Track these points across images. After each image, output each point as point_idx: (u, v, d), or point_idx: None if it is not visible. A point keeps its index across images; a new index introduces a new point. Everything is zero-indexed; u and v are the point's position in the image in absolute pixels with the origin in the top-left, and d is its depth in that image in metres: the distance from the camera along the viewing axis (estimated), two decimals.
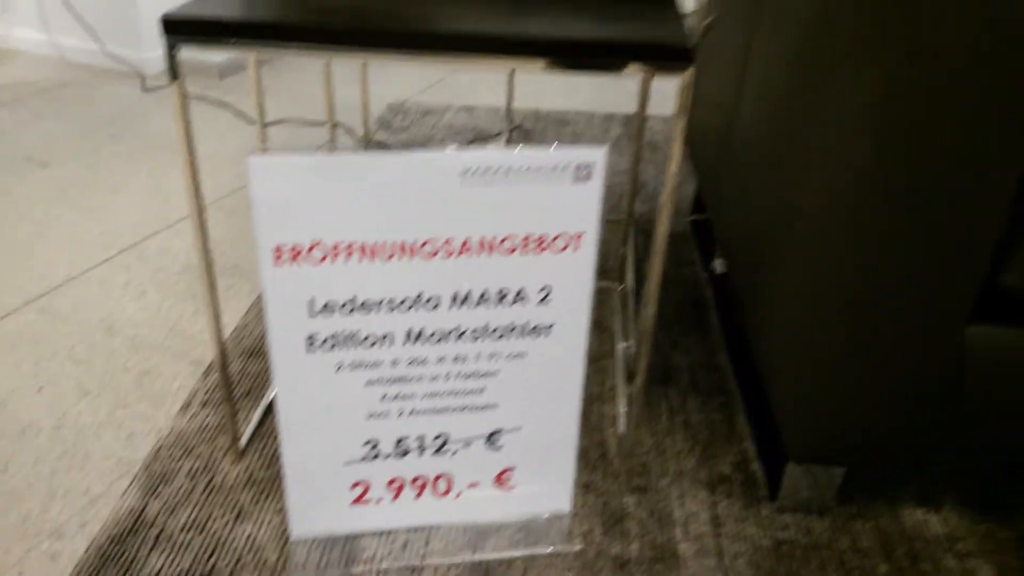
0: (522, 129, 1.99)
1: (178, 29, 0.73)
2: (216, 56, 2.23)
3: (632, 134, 2.01)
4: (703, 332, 1.26)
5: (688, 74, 0.74)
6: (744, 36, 1.10)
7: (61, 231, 1.47)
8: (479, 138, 1.95)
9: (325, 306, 0.76)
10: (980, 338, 0.74)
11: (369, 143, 1.89)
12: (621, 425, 1.06)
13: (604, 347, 1.22)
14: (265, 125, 1.99)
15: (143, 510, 0.90)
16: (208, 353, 1.16)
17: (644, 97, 1.31)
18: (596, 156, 0.74)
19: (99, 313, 1.24)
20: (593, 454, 1.02)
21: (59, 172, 1.68)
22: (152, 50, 2.25)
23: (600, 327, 1.27)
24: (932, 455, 0.82)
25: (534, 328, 0.81)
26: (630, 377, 1.15)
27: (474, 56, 0.73)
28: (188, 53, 2.27)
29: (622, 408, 1.09)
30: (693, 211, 1.63)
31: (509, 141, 1.65)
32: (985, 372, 0.75)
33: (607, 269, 1.43)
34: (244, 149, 1.82)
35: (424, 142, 1.92)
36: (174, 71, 0.76)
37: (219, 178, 1.69)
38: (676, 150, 0.80)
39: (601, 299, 1.34)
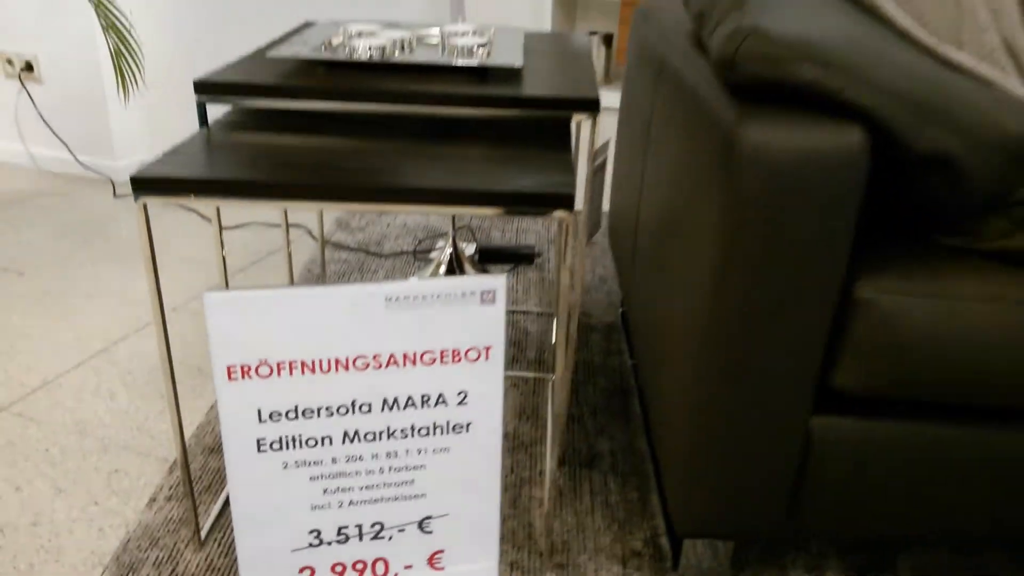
0: (468, 228, 2.15)
1: (145, 186, 0.88)
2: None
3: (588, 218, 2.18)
4: (626, 418, 1.40)
5: (568, 215, 0.89)
6: (640, 159, 1.27)
7: (37, 337, 1.58)
8: (429, 236, 2.11)
9: (271, 414, 0.88)
10: (822, 427, 0.89)
11: (327, 244, 2.04)
12: (546, 507, 1.19)
13: (537, 434, 1.35)
14: (227, 228, 2.13)
15: None
16: (173, 451, 1.27)
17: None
18: (498, 283, 0.88)
19: (73, 416, 1.35)
20: (520, 534, 1.14)
21: (35, 280, 1.80)
22: (122, 159, 2.40)
23: (535, 415, 1.40)
24: (800, 527, 0.95)
25: (455, 426, 0.94)
26: (560, 461, 1.28)
27: (408, 204, 0.89)
28: (153, 158, 2.43)
29: (548, 491, 1.22)
30: (623, 303, 1.78)
31: (455, 240, 1.80)
32: (827, 454, 0.89)
33: (543, 360, 1.57)
34: (211, 252, 1.96)
35: (379, 240, 2.07)
36: (148, 226, 0.90)
37: (187, 281, 1.82)
38: (564, 280, 0.95)
39: (536, 389, 1.48)
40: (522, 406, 1.42)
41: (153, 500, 1.17)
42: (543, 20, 3.46)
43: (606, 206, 2.24)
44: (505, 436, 1.34)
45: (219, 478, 1.22)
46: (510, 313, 1.74)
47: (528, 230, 2.15)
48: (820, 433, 0.89)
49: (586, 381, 1.50)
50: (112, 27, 1.61)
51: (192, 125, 2.38)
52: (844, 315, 0.84)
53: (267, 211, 2.19)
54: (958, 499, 0.93)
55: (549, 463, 1.27)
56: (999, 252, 0.85)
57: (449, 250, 1.86)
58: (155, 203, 1.12)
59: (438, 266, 1.86)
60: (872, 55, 0.78)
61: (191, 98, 2.35)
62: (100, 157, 2.39)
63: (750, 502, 0.93)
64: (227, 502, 1.17)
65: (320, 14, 2.85)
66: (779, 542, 1.13)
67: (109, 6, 1.62)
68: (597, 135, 1.46)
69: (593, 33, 3.50)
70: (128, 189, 2.35)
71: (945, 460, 0.90)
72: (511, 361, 1.57)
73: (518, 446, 1.32)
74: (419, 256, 1.99)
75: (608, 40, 3.33)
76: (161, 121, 2.39)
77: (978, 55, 1.13)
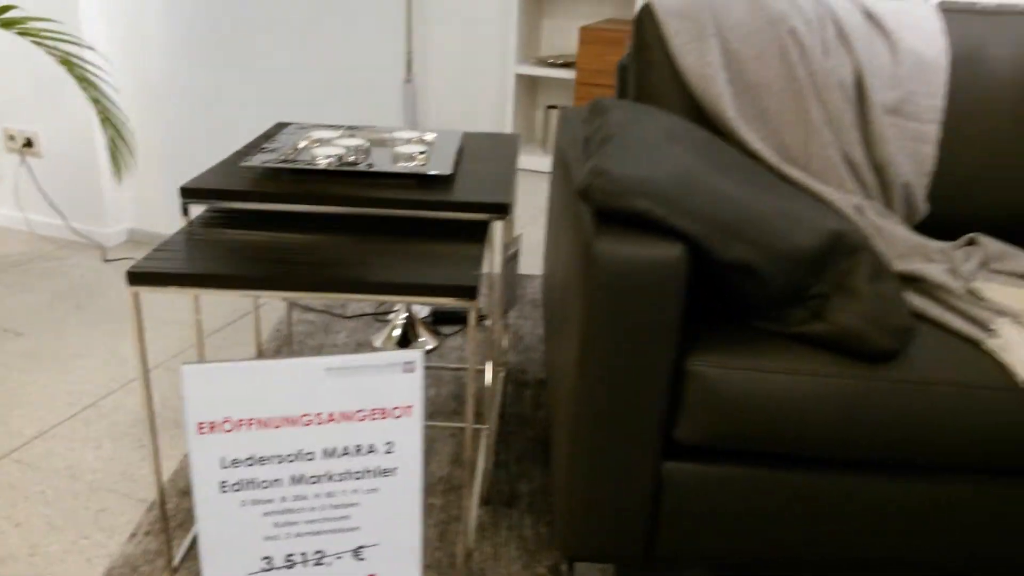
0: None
1: (138, 279, 1.12)
2: (167, 230, 2.62)
3: (502, 298, 2.42)
4: (545, 464, 1.63)
5: (474, 303, 1.14)
6: (556, 231, 1.52)
7: (34, 392, 1.79)
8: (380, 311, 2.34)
9: (233, 461, 1.11)
10: (670, 470, 1.12)
11: (294, 306, 2.27)
12: (469, 539, 1.40)
13: (467, 478, 1.57)
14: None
15: None
16: (152, 493, 1.48)
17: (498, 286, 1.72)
18: (416, 356, 1.12)
19: (65, 462, 1.56)
20: (445, 562, 1.35)
21: (31, 340, 2.02)
22: (112, 226, 2.63)
23: (467, 461, 1.62)
24: (658, 552, 1.18)
25: (383, 471, 1.17)
26: (485, 502, 1.50)
27: (349, 293, 1.12)
28: (141, 226, 2.66)
29: (471, 525, 1.43)
30: None
31: (410, 305, 2.04)
32: (675, 492, 1.13)
33: (480, 413, 1.80)
34: (190, 314, 2.18)
35: (343, 303, 2.30)
36: (139, 309, 1.14)
37: (168, 341, 2.04)
38: (471, 356, 1.19)
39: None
40: (456, 453, 1.64)
41: (134, 535, 1.38)
42: (507, 95, 3.78)
43: (537, 271, 2.49)
44: (439, 480, 1.56)
45: (190, 516, 1.43)
46: (455, 370, 1.97)
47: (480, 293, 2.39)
48: (669, 475, 1.13)
49: (516, 431, 1.73)
50: (107, 120, 1.86)
51: (173, 197, 2.61)
52: (679, 383, 1.08)
53: None
54: (783, 531, 1.16)
55: (474, 502, 1.49)
56: (801, 335, 1.09)
57: (404, 314, 2.10)
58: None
59: (393, 328, 2.10)
60: (691, 189, 1.03)
61: (175, 172, 2.59)
62: (92, 224, 2.62)
63: (617, 531, 1.16)
64: (197, 536, 1.38)
65: (293, 113, 3.14)
66: (659, 566, 1.35)
67: (104, 101, 1.87)
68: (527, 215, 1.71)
69: (552, 107, 3.80)
70: (117, 254, 2.58)
71: (770, 497, 1.14)
72: (452, 412, 1.79)
73: (449, 489, 1.54)
74: (378, 318, 2.23)
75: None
76: (147, 192, 2.63)
77: (823, 167, 1.40)
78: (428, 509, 1.49)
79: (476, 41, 3.96)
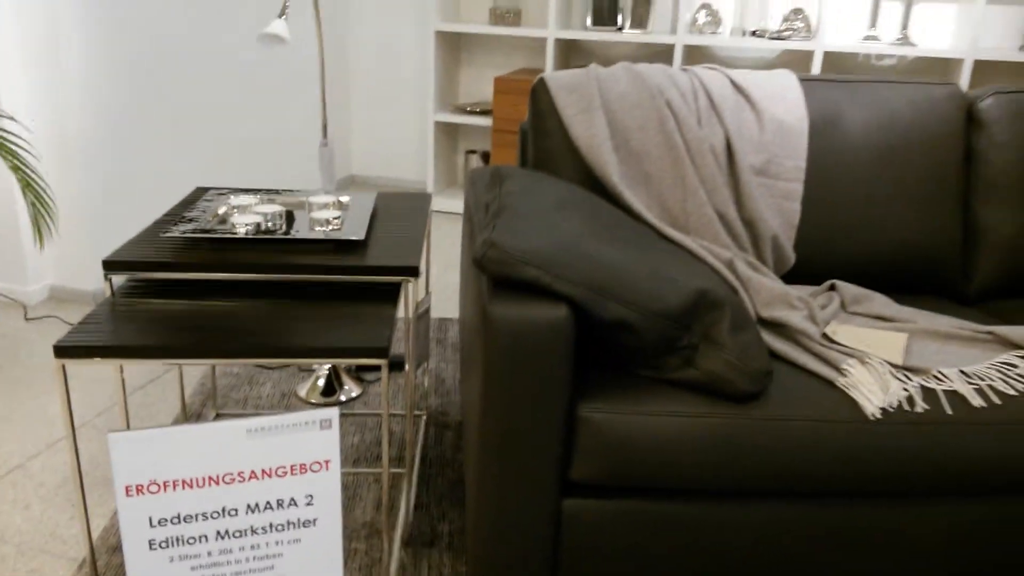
0: None
1: (65, 353, 1.19)
2: (89, 286, 2.64)
3: (413, 353, 2.53)
4: (464, 504, 1.73)
5: (385, 361, 1.24)
6: (466, 283, 1.64)
7: None
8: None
9: (160, 520, 1.18)
10: (569, 507, 1.24)
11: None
12: None
13: (390, 521, 1.66)
14: None
15: None
16: (81, 551, 1.53)
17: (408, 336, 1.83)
18: (332, 414, 1.22)
19: None
20: None
21: None
22: (33, 283, 2.64)
23: (391, 505, 1.71)
24: None
25: (304, 522, 1.25)
26: (407, 543, 1.59)
27: (266, 358, 1.22)
28: (62, 282, 2.68)
29: (393, 568, 1.53)
30: None
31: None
32: (575, 526, 1.25)
33: (402, 457, 1.89)
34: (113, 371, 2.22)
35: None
36: (65, 380, 1.21)
37: (93, 398, 2.07)
38: (384, 411, 1.29)
39: (393, 482, 1.79)
40: (380, 498, 1.73)
41: None
42: (427, 142, 3.93)
43: (455, 312, 2.61)
44: (363, 524, 1.65)
45: (121, 572, 1.48)
46: (379, 416, 2.06)
47: (401, 339, 2.49)
48: (568, 511, 1.25)
49: (437, 473, 1.83)
50: (28, 187, 1.91)
51: (94, 254, 2.64)
52: (572, 428, 1.20)
53: None
54: (683, 559, 1.29)
55: (396, 544, 1.59)
56: (676, 380, 1.24)
57: (328, 364, 2.18)
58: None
59: (318, 378, 2.18)
60: (575, 256, 1.17)
61: (96, 230, 2.63)
62: (13, 283, 2.63)
63: (523, 565, 1.27)
64: None
65: (215, 176, 3.20)
66: None
67: (25, 169, 1.92)
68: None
69: (472, 151, 3.95)
70: (38, 312, 2.59)
71: (659, 527, 1.27)
72: (376, 458, 1.88)
73: (372, 533, 1.63)
74: (302, 368, 2.30)
75: (486, 157, 3.79)
76: (69, 249, 2.65)
77: (701, 224, 1.56)
78: (352, 553, 1.57)
79: (396, 90, 4.09)
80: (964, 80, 3.16)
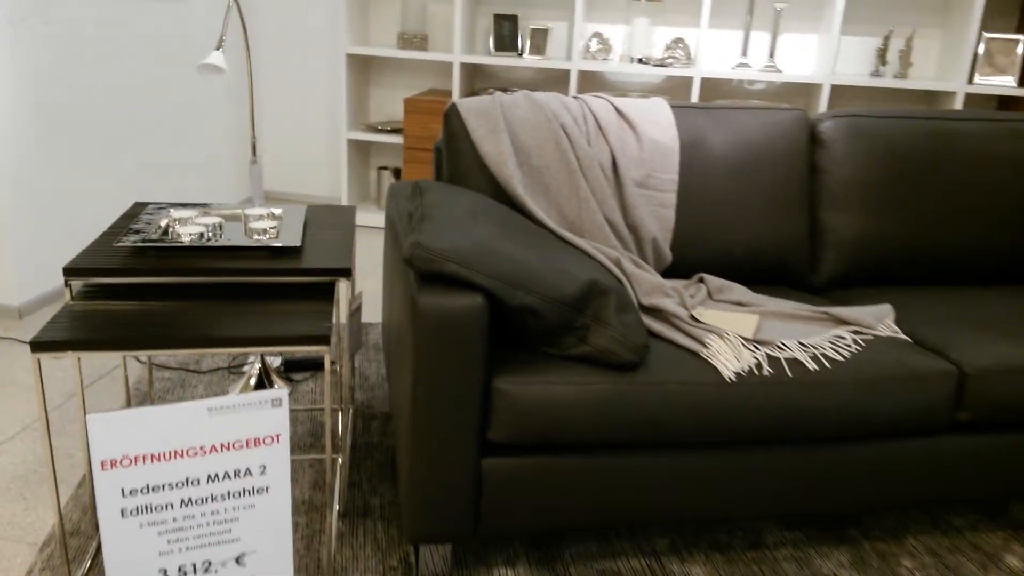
0: None
1: (40, 347, 1.34)
2: (14, 300, 2.71)
3: (349, 343, 2.72)
4: (393, 481, 1.94)
5: (327, 348, 1.45)
6: (390, 286, 1.85)
7: None
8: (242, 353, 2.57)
9: (131, 491, 1.35)
10: (488, 465, 1.48)
11: (153, 365, 2.45)
12: (332, 545, 1.69)
13: (326, 499, 1.85)
14: None
15: None
16: (40, 536, 1.66)
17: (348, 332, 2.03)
18: (282, 394, 1.41)
19: None
20: (312, 566, 1.63)
21: None
22: None
23: (327, 486, 1.90)
24: (483, 532, 1.52)
25: (258, 490, 1.44)
26: (343, 515, 1.79)
27: (212, 348, 1.40)
28: None
29: (333, 531, 1.72)
30: None
31: (263, 356, 2.28)
32: (493, 481, 1.48)
33: (336, 444, 2.08)
34: (56, 376, 2.31)
35: (198, 360, 2.50)
36: (40, 373, 1.36)
37: (30, 405, 2.17)
38: (327, 399, 1.50)
39: (329, 466, 1.98)
40: (315, 480, 1.92)
41: (30, 572, 1.55)
42: (340, 159, 4.12)
43: (378, 318, 2.82)
44: (302, 502, 1.84)
45: (80, 552, 1.62)
46: (308, 410, 2.24)
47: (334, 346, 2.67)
48: (487, 469, 1.48)
49: (366, 457, 2.03)
50: None
51: (15, 271, 2.71)
52: (488, 397, 1.44)
53: None
54: (584, 503, 1.54)
55: (334, 515, 1.78)
56: (573, 355, 1.49)
57: (258, 365, 2.35)
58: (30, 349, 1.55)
59: (249, 378, 2.34)
60: (488, 254, 1.41)
61: (21, 249, 2.70)
62: None
63: (450, 516, 1.50)
64: (89, 567, 1.58)
65: (150, 192, 3.30)
66: (485, 546, 1.70)
67: None
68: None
69: (384, 168, 4.15)
70: None
71: (564, 478, 1.52)
72: (309, 446, 2.07)
73: (311, 509, 1.82)
74: (233, 371, 2.46)
75: (397, 173, 4.01)
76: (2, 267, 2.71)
77: (593, 228, 1.82)
78: (295, 527, 1.76)
79: (310, 110, 4.26)
80: (823, 102, 3.60)
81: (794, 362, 1.56)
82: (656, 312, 1.68)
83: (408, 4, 3.83)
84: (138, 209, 1.94)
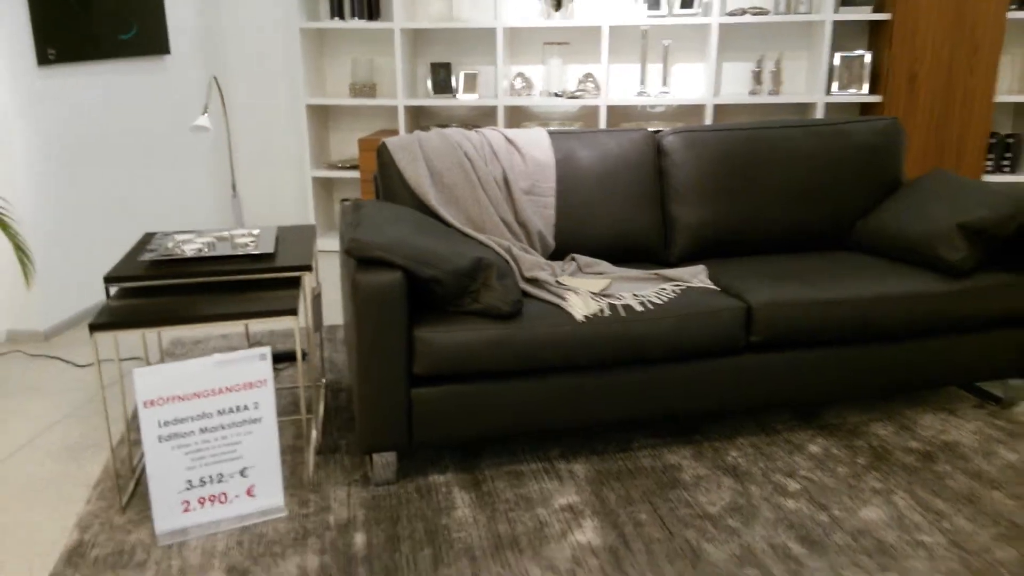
0: (259, 343, 3.25)
1: (99, 327, 1.95)
2: (40, 326, 3.30)
3: (316, 319, 3.34)
4: (354, 431, 2.54)
5: (295, 318, 2.07)
6: (344, 273, 2.47)
7: None
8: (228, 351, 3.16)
9: (165, 422, 1.95)
10: (417, 393, 2.10)
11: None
12: (310, 469, 2.29)
13: (301, 442, 2.45)
14: (83, 366, 3.08)
15: (81, 541, 1.98)
16: (92, 480, 2.24)
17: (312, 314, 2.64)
18: (266, 351, 2.03)
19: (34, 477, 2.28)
20: (296, 483, 2.23)
21: None
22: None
23: (306, 437, 2.50)
24: (417, 443, 2.14)
25: (253, 420, 2.05)
26: (318, 452, 2.39)
27: (212, 322, 2.02)
28: (14, 326, 3.31)
29: (311, 461, 2.32)
30: None
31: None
32: (422, 404, 2.10)
33: (311, 407, 2.69)
34: (69, 388, 2.90)
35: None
36: (96, 349, 1.97)
37: (62, 403, 2.76)
38: (300, 365, 2.11)
39: (307, 425, 2.59)
40: (296, 434, 2.52)
41: (88, 501, 2.14)
42: (307, 194, 4.76)
43: (341, 320, 3.45)
44: (287, 447, 2.44)
45: (122, 486, 2.21)
46: (290, 388, 2.84)
47: (292, 339, 3.28)
48: (415, 395, 2.10)
49: (335, 415, 2.64)
50: (17, 248, 2.62)
51: (42, 302, 3.30)
52: (412, 342, 2.06)
53: (125, 349, 3.15)
54: (488, 418, 2.15)
55: (312, 451, 2.38)
56: (470, 311, 2.12)
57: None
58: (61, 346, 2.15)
59: None
60: (406, 244, 2.04)
61: (41, 284, 3.29)
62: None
63: (391, 431, 2.11)
64: (131, 494, 2.17)
65: (151, 226, 3.92)
66: (422, 460, 2.31)
67: (12, 230, 2.63)
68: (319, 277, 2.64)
69: (345, 199, 4.78)
70: (2, 349, 3.22)
71: (475, 399, 2.13)
72: (290, 413, 2.67)
73: (295, 450, 2.42)
74: None
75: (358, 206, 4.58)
76: (19, 300, 3.29)
77: (492, 227, 2.46)
78: (282, 461, 2.36)
79: (279, 154, 4.88)
80: (709, 119, 4.29)
81: (628, 308, 2.20)
82: (534, 281, 2.31)
83: (357, 59, 4.50)
84: (148, 237, 2.56)
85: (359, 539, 1.98)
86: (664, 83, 4.40)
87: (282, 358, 3.10)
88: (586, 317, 2.14)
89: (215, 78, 2.67)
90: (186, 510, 2.02)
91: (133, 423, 2.59)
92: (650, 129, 2.79)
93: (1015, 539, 1.97)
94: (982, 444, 2.42)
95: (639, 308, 2.18)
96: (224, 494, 2.05)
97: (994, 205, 2.45)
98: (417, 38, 4.60)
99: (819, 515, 2.06)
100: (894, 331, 2.37)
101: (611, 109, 4.56)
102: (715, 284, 2.41)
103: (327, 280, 4.13)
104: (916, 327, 2.39)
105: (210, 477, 2.03)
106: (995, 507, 2.10)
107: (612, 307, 2.19)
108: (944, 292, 2.39)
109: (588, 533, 1.99)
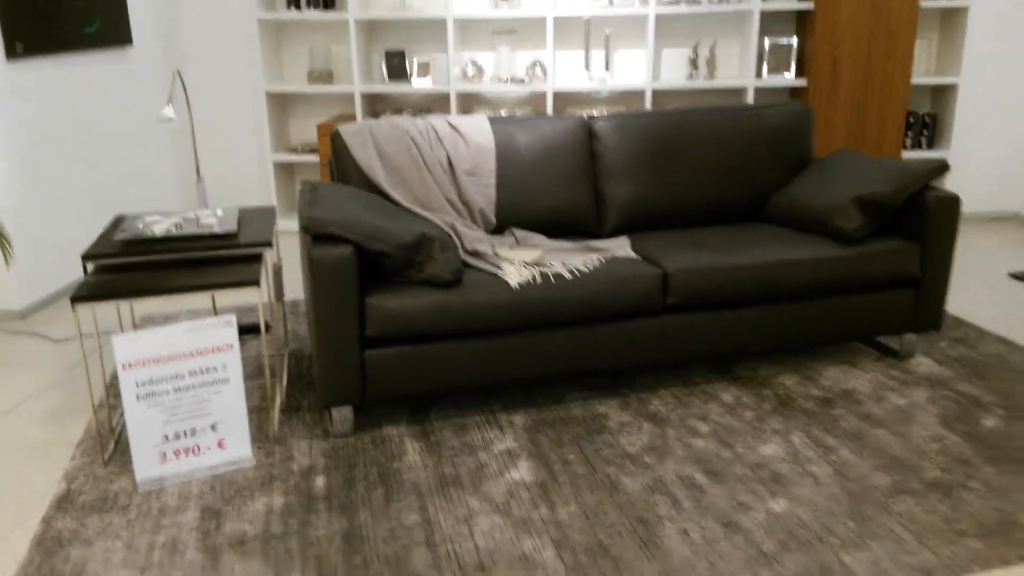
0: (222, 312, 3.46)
1: (81, 298, 2.18)
2: (16, 305, 3.49)
3: (278, 290, 3.57)
4: (314, 391, 2.79)
5: (256, 289, 2.30)
6: (303, 251, 2.71)
7: None
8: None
9: (141, 383, 2.18)
10: (369, 354, 2.35)
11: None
12: (275, 425, 2.54)
13: (266, 403, 2.69)
14: (59, 341, 3.28)
15: (69, 490, 2.21)
16: (75, 439, 2.46)
17: (273, 287, 2.88)
18: (232, 318, 2.26)
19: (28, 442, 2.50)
20: (262, 438, 2.48)
21: None
22: None
23: (271, 399, 2.75)
24: (370, 398, 2.39)
25: (222, 380, 2.29)
26: (283, 411, 2.64)
27: (181, 293, 2.25)
28: None
29: (276, 418, 2.57)
30: None
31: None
32: (374, 364, 2.36)
33: (274, 373, 2.93)
34: (47, 361, 3.11)
35: None
36: (78, 321, 2.19)
37: (39, 379, 2.96)
38: (263, 332, 2.35)
39: (271, 389, 2.83)
40: (262, 397, 2.76)
41: (73, 458, 2.37)
42: (268, 178, 4.97)
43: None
44: (254, 408, 2.68)
45: (103, 445, 2.43)
46: (258, 358, 3.08)
47: (256, 312, 3.50)
48: (368, 355, 2.36)
49: (297, 380, 2.88)
50: None
51: (14, 280, 3.49)
52: (363, 308, 2.31)
53: (86, 322, 3.35)
54: (434, 375, 2.42)
55: (277, 409, 2.63)
56: (416, 280, 2.37)
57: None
58: (52, 318, 2.36)
59: None
60: (357, 221, 2.28)
61: (39, 253, 3.47)
62: None
63: (347, 388, 2.36)
64: (112, 452, 2.40)
65: (120, 210, 4.10)
66: (376, 416, 2.57)
67: None
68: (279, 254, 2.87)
69: (304, 182, 4.96)
70: None
71: (421, 359, 2.39)
72: (257, 379, 2.90)
73: (261, 410, 2.66)
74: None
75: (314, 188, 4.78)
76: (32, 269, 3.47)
77: (437, 206, 2.72)
78: (249, 418, 2.60)
79: (241, 140, 5.06)
80: (648, 103, 4.57)
81: (558, 276, 2.47)
82: (475, 254, 2.57)
83: (314, 48, 4.69)
84: (119, 219, 2.77)
85: (319, 482, 2.24)
86: (607, 69, 4.66)
87: (248, 330, 3.33)
88: (520, 285, 2.41)
89: (178, 71, 2.87)
90: (163, 461, 2.25)
91: (111, 389, 2.81)
92: (584, 114, 3.05)
93: (891, 468, 2.28)
94: (875, 391, 2.74)
95: (568, 276, 2.46)
96: (197, 446, 2.30)
97: (887, 180, 2.76)
98: (372, 27, 4.80)
99: (724, 452, 2.36)
100: (797, 292, 2.68)
101: (557, 94, 4.81)
102: (637, 253, 2.69)
103: (290, 259, 4.35)
104: (817, 288, 2.70)
105: (184, 432, 2.27)
106: (878, 443, 2.41)
107: (544, 275, 2.46)
108: (840, 257, 2.69)
109: (522, 472, 2.27)
